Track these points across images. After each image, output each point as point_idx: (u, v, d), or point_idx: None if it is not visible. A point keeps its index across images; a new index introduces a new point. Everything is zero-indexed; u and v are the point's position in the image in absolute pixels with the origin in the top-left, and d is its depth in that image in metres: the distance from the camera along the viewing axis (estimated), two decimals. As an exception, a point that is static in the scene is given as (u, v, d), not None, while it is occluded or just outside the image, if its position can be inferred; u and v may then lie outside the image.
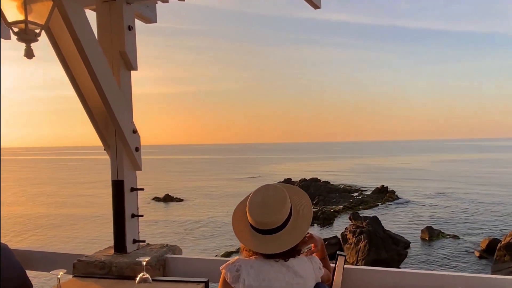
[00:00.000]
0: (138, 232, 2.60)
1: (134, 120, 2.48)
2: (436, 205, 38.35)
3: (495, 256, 21.18)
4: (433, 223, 29.34)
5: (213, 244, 25.45)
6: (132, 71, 2.50)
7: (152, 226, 31.93)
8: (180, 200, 45.57)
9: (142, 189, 2.58)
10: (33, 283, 2.35)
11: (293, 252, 2.00)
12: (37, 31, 1.74)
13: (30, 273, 2.41)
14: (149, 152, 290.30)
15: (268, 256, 1.93)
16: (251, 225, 2.00)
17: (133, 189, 2.52)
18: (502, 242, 21.29)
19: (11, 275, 2.17)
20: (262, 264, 1.92)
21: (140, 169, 2.56)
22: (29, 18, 1.76)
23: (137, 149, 2.50)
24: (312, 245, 2.33)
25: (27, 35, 1.74)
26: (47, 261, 2.54)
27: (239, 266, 1.94)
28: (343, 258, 2.44)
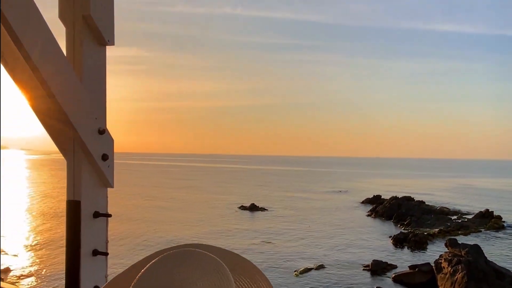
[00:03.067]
0: (106, 276, 1.79)
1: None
2: (555, 237, 32.95)
3: None
4: (550, 258, 25.05)
5: (293, 260, 24.50)
6: (108, 47, 1.75)
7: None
8: (264, 209, 45.44)
9: (110, 215, 1.79)
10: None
11: None
12: None
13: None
14: (229, 161, 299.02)
15: None
16: None
17: (97, 215, 1.73)
18: None
19: None
20: None
21: (110, 185, 1.76)
22: None
23: (105, 157, 1.70)
24: None
25: None
26: None
27: None
28: None
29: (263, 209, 45.61)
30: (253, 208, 45.73)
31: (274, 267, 22.52)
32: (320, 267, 22.54)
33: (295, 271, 21.74)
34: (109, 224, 1.79)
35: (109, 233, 1.77)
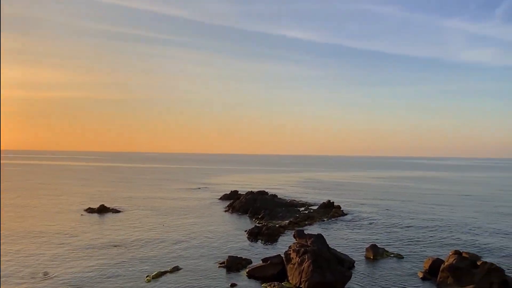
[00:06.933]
0: None
1: None
2: (381, 222, 38.15)
3: (438, 278, 20.57)
4: (378, 241, 28.75)
5: (145, 264, 22.98)
6: None
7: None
8: (116, 211, 42.25)
9: None
10: None
11: None
12: None
13: None
14: (76, 159, 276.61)
15: None
16: None
17: None
18: (445, 263, 20.73)
19: None
20: None
21: None
22: None
23: None
24: None
25: None
26: None
27: None
28: None
29: (114, 211, 42.38)
30: (102, 210, 42.05)
31: (124, 273, 20.74)
32: (175, 269, 21.60)
33: (147, 276, 20.35)
34: None
35: None
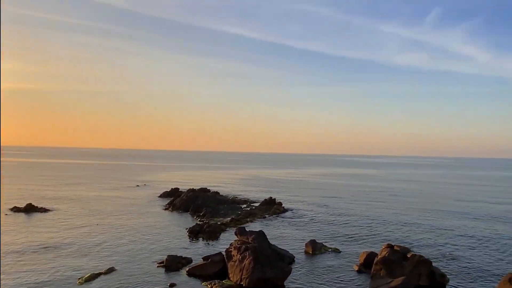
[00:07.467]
0: None
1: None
2: (320, 218, 39.21)
3: (372, 270, 21.41)
4: (317, 237, 29.48)
5: (77, 266, 21.68)
6: None
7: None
8: (46, 210, 39.59)
9: None
10: None
11: None
12: None
13: None
14: (16, 154, 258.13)
15: None
16: None
17: None
18: (379, 256, 21.63)
19: None
20: None
21: None
22: None
23: None
24: None
25: None
26: None
27: None
28: None
29: (43, 210, 39.68)
30: (30, 209, 39.21)
31: (54, 278, 19.40)
32: (110, 270, 20.60)
33: (79, 278, 19.19)
34: None
35: None
